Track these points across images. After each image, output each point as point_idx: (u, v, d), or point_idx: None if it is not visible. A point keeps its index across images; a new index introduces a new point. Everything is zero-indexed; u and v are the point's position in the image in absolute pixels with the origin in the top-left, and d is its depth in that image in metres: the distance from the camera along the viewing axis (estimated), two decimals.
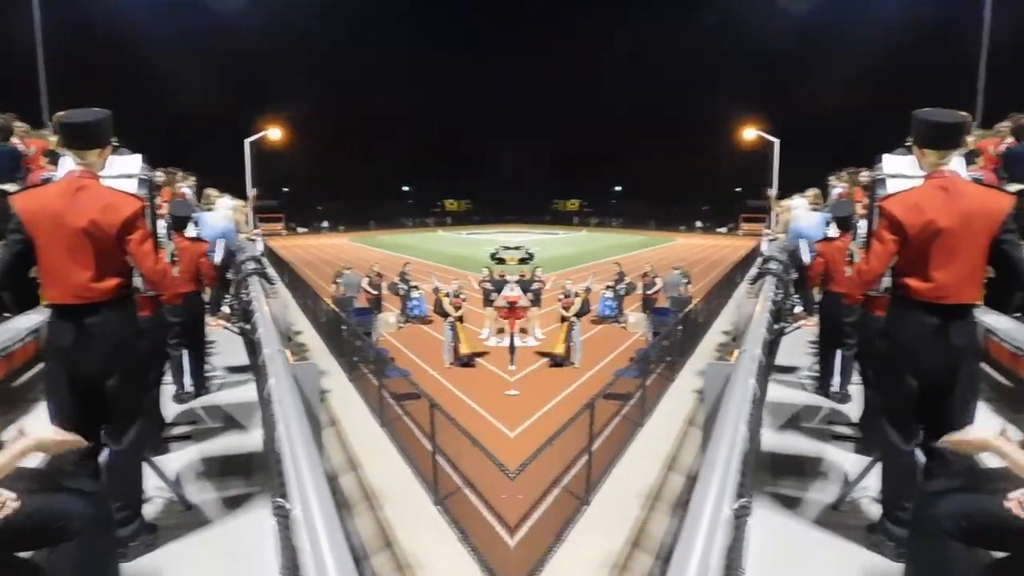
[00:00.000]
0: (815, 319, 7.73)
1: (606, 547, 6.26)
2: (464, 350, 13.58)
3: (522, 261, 26.20)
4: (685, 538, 1.99)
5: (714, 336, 14.77)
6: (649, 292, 17.91)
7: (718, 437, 2.63)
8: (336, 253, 41.91)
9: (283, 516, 2.21)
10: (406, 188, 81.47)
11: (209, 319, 9.54)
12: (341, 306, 15.63)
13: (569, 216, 77.67)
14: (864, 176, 6.99)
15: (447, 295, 13.91)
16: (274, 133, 35.50)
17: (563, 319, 14.04)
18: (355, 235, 61.67)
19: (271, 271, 26.97)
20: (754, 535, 2.71)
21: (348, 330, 12.76)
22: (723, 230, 63.49)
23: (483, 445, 6.27)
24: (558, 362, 13.68)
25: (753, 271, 22.40)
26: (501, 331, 13.98)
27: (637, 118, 68.18)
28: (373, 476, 8.04)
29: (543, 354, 14.28)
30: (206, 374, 7.87)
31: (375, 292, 17.71)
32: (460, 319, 13.76)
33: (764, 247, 8.23)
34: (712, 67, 62.89)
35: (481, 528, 6.57)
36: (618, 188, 79.62)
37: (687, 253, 42.23)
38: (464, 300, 14.02)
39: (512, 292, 13.08)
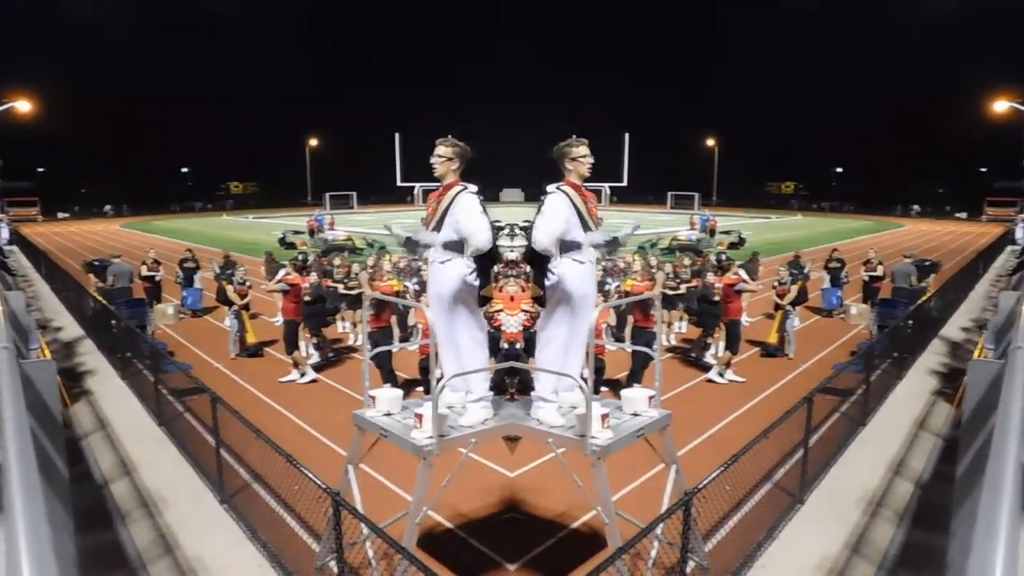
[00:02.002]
0: None
1: (821, 550, 6.02)
2: (251, 340, 12.87)
3: (732, 246, 24.19)
4: (979, 557, 1.84)
5: (951, 332, 14.26)
6: (874, 283, 16.15)
7: (1001, 445, 2.38)
8: (104, 240, 38.04)
9: None
10: (185, 170, 75.53)
11: None
12: (110, 298, 14.17)
13: (785, 199, 71.08)
14: None
15: (231, 283, 13.06)
16: (23, 105, 31.18)
17: (777, 307, 13.09)
18: (127, 220, 56.27)
19: (23, 260, 23.92)
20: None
21: (118, 324, 11.61)
22: (963, 215, 56.69)
23: (268, 436, 5.95)
24: (771, 352, 12.88)
25: (1003, 260, 21.46)
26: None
27: (862, 91, 61.11)
28: (150, 479, 7.48)
29: (754, 343, 13.45)
30: None
31: (151, 283, 16.26)
32: (246, 307, 13.01)
33: (1020, 234, 7.60)
34: (953, 29, 54.80)
35: (278, 526, 6.25)
36: (839, 169, 73.28)
37: (919, 240, 38.62)
38: (250, 287, 13.24)
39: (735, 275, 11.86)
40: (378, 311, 10.33)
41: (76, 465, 7.70)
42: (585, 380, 4.87)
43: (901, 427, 8.94)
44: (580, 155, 5.21)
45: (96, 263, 17.67)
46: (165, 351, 11.06)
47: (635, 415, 5.23)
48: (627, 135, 65.91)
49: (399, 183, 65.66)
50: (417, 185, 61.00)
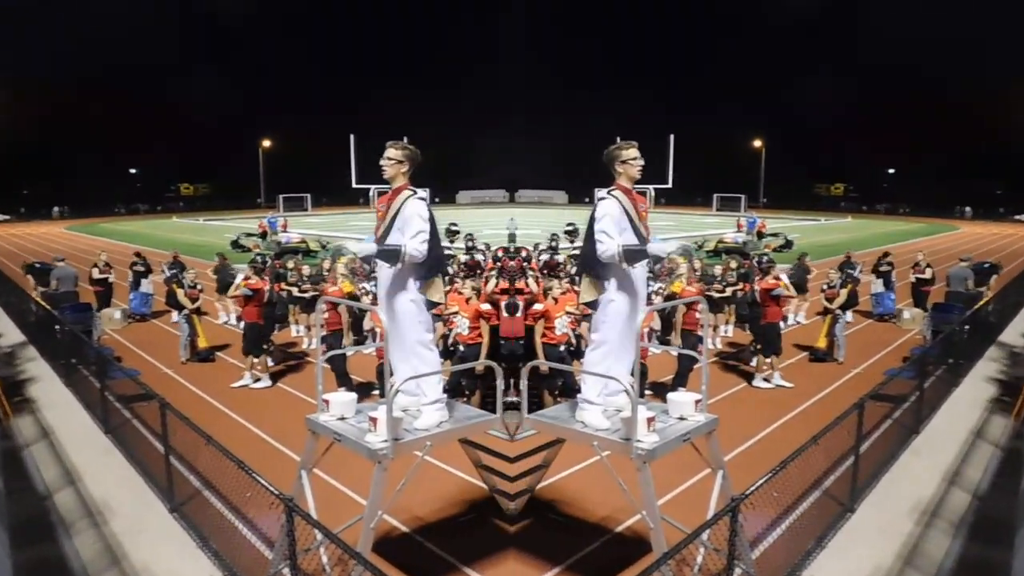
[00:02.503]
0: None
1: (873, 560, 5.85)
2: (203, 344, 12.60)
3: (778, 249, 23.56)
4: None
5: (1010, 338, 13.73)
6: (922, 286, 15.74)
7: None
8: (47, 243, 36.90)
9: None
10: (133, 171, 73.52)
11: None
12: (54, 302, 13.75)
13: (834, 201, 68.15)
14: None
15: (181, 286, 12.78)
16: None
17: (826, 311, 12.80)
18: (71, 222, 54.59)
19: None
20: None
21: (63, 330, 11.27)
22: (1022, 217, 54.44)
23: (220, 443, 5.83)
24: (820, 357, 12.56)
25: None
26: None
27: (912, 86, 57.58)
28: (96, 488, 7.28)
29: (803, 347, 13.14)
30: None
31: (102, 286, 15.88)
32: (197, 311, 12.74)
33: None
34: (1011, 22, 51.33)
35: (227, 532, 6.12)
36: (891, 170, 70.34)
37: (976, 243, 37.30)
38: (201, 291, 12.98)
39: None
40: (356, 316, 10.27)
41: (17, 477, 7.48)
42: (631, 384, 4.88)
43: (956, 436, 8.68)
44: (630, 157, 5.23)
45: (37, 265, 17.12)
46: (112, 357, 10.78)
47: (681, 419, 5.23)
48: (672, 136, 62.88)
49: (354, 185, 64.73)
50: (373, 187, 60.25)
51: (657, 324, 11.10)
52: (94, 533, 6.39)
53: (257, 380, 11.13)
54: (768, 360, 11.10)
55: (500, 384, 5.53)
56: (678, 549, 4.12)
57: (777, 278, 11.33)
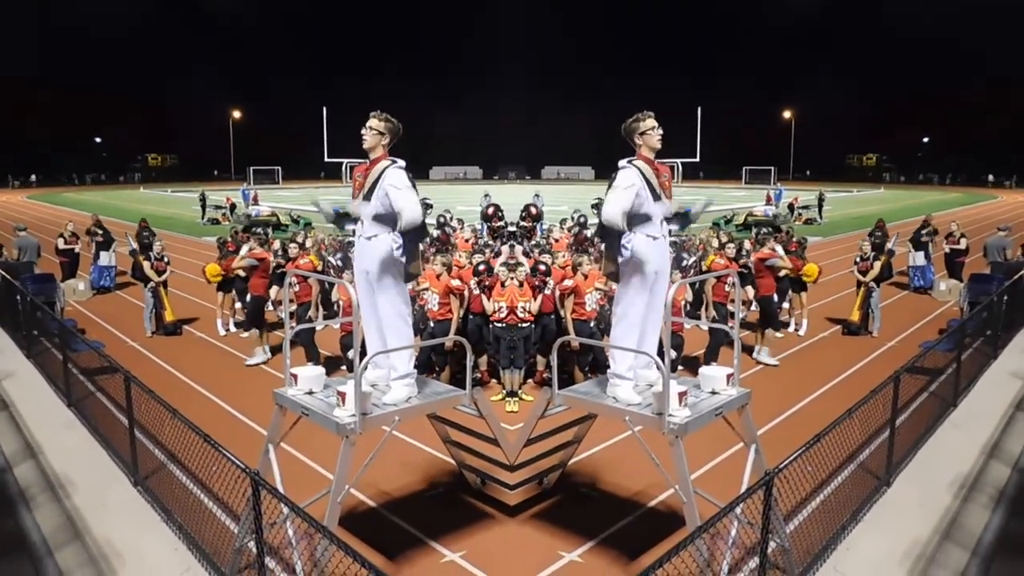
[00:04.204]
0: None
1: (910, 533, 5.73)
2: (169, 317, 12.41)
3: (808, 221, 22.48)
4: None
5: None
6: (956, 257, 15.54)
7: None
8: (7, 212, 35.94)
9: None
10: (98, 139, 71.86)
11: None
12: (15, 272, 13.43)
13: (876, 172, 67.06)
14: None
15: (147, 258, 12.55)
16: None
17: (859, 284, 12.52)
18: (33, 191, 53.31)
19: None
20: None
21: (24, 300, 11.03)
22: None
23: (186, 417, 5.76)
24: (853, 330, 12.35)
25: None
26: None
27: (950, 56, 56.89)
28: (58, 462, 7.18)
29: (836, 321, 12.92)
30: None
31: (68, 257, 15.59)
32: (164, 284, 12.54)
33: None
34: None
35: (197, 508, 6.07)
36: (926, 139, 69.61)
37: (1016, 212, 36.56)
38: (168, 264, 12.77)
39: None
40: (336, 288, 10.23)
41: None
42: (662, 356, 4.85)
43: (995, 409, 8.42)
44: (648, 128, 5.17)
45: None
46: (75, 329, 10.59)
47: (713, 393, 5.23)
48: (699, 109, 62.35)
49: (326, 158, 63.77)
50: (345, 161, 59.30)
51: (689, 296, 11.04)
52: (55, 507, 6.30)
53: (266, 355, 10.91)
54: (764, 333, 10.85)
55: (469, 360, 5.54)
56: (711, 523, 4.07)
57: (773, 249, 11.20)
